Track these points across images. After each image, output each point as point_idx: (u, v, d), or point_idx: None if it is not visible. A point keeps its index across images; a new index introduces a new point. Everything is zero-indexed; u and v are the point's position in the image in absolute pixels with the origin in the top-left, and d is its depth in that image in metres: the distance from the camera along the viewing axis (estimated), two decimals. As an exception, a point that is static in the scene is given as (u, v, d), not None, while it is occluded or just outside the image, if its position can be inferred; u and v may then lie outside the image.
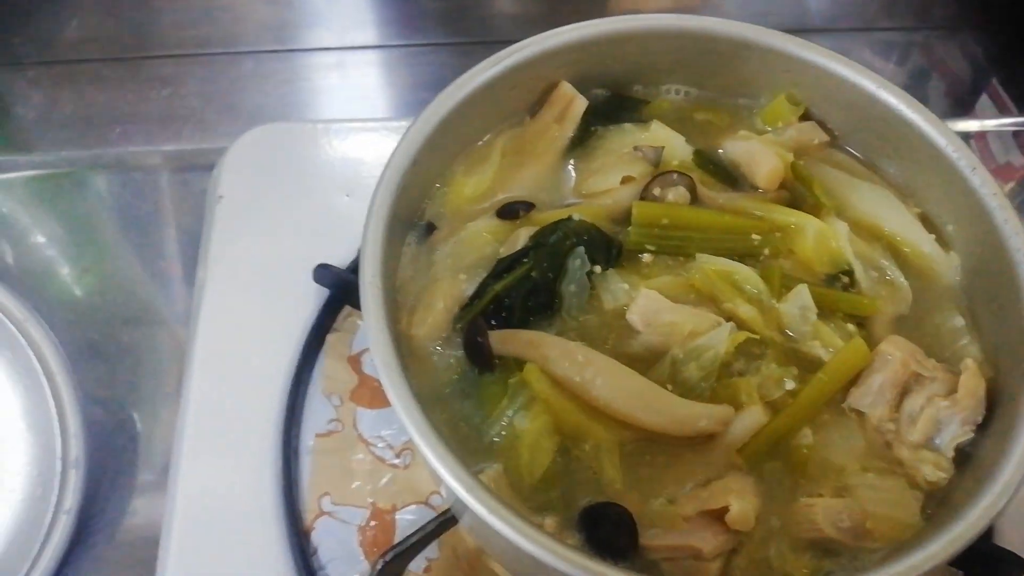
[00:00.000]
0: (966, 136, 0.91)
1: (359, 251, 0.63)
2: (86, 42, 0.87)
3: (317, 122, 0.81)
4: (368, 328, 0.43)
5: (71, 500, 0.62)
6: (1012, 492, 0.40)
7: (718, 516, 0.43)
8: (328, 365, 0.67)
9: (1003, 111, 0.94)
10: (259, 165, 0.76)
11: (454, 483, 0.39)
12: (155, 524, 0.61)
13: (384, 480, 0.62)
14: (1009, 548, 0.47)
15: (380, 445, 0.64)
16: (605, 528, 0.42)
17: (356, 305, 0.68)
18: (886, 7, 1.02)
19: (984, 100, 0.97)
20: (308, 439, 0.64)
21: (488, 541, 0.49)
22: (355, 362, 0.67)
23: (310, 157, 0.77)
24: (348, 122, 0.80)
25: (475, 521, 0.40)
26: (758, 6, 0.98)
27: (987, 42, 0.99)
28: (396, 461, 0.63)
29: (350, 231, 0.70)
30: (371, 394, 0.66)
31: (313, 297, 0.68)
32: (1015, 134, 0.92)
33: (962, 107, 0.97)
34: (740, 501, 0.42)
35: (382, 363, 0.42)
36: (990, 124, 0.93)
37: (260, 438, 0.63)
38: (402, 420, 0.41)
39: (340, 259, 0.69)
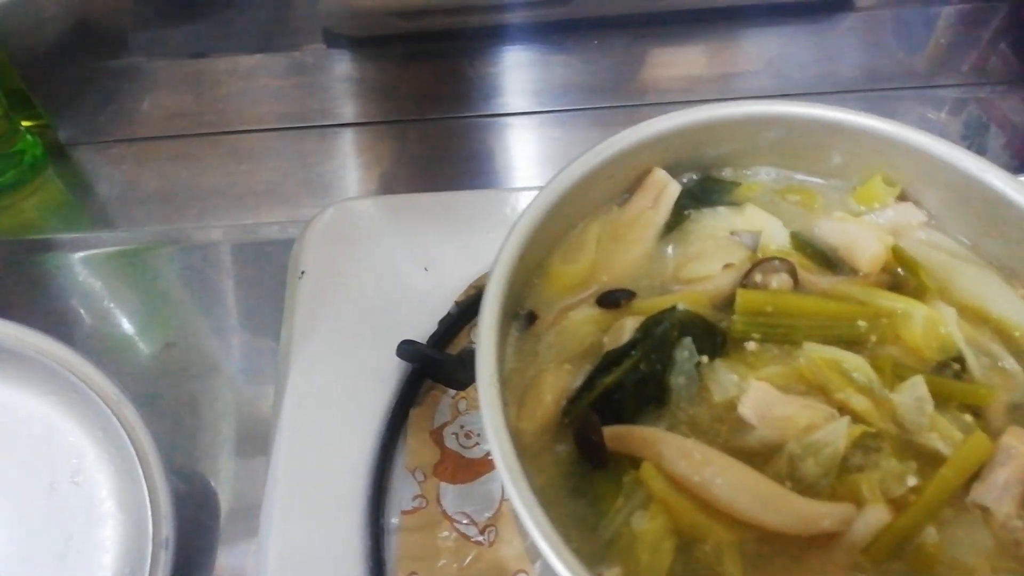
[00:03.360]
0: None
1: (457, 332, 0.63)
2: (167, 119, 0.90)
3: (392, 196, 0.83)
4: (488, 430, 0.43)
5: (162, 581, 0.62)
6: None
7: (848, 623, 0.41)
8: (412, 439, 0.67)
9: (1067, 164, 0.93)
10: (338, 240, 0.77)
11: (585, 594, 0.38)
12: (242, 606, 0.61)
13: (469, 558, 0.62)
14: None
15: (464, 522, 0.64)
16: (734, 636, 0.41)
17: (437, 379, 0.69)
18: (942, 64, 1.02)
19: (1048, 154, 0.96)
20: (393, 516, 0.63)
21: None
22: (437, 436, 0.67)
23: (387, 231, 0.78)
24: (419, 195, 0.82)
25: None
26: (810, 71, 0.98)
27: (1048, 94, 0.98)
28: (480, 538, 0.62)
29: (429, 304, 0.72)
30: (453, 469, 0.66)
31: (395, 371, 0.69)
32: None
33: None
34: (872, 608, 0.41)
35: (505, 466, 0.42)
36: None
37: (348, 515, 0.63)
38: (526, 525, 0.41)
39: (420, 332, 0.70)
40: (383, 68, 0.96)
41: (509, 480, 0.41)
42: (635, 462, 0.46)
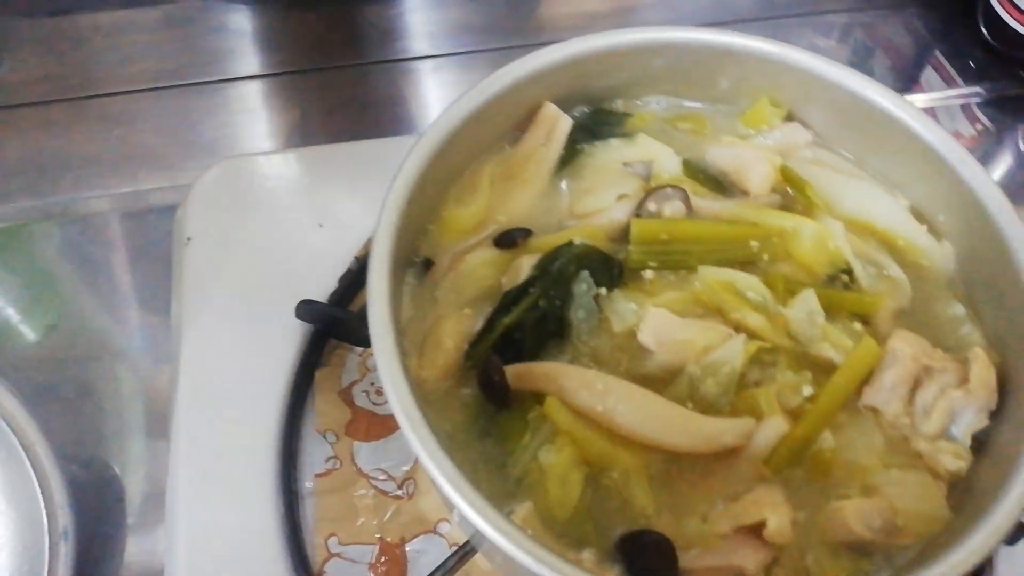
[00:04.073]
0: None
1: (359, 288, 0.61)
2: (28, 84, 0.83)
3: (281, 152, 0.79)
4: (385, 381, 0.41)
5: (63, 574, 0.59)
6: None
7: (754, 531, 0.43)
8: (320, 401, 0.65)
9: (948, 83, 0.97)
10: (225, 201, 0.73)
11: (495, 535, 0.38)
12: (156, 588, 0.59)
13: (389, 513, 0.61)
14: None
15: (381, 478, 0.63)
16: (645, 556, 0.41)
17: (342, 338, 0.67)
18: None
19: (929, 74, 0.99)
20: (307, 480, 0.62)
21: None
22: (347, 395, 0.66)
23: (278, 189, 0.74)
24: (312, 148, 0.78)
25: (510, 563, 0.40)
26: (704, 2, 0.99)
27: (929, 17, 1.01)
28: (399, 492, 0.62)
29: (327, 261, 0.70)
30: (366, 427, 0.65)
31: (296, 333, 0.66)
32: (961, 106, 0.95)
33: (909, 81, 1.00)
34: (776, 515, 0.42)
35: (405, 417, 0.40)
36: (936, 96, 0.96)
37: (257, 484, 0.61)
38: (431, 472, 0.40)
39: (320, 291, 0.67)
40: (266, 17, 0.91)
41: (410, 430, 0.40)
42: (540, 399, 0.46)
